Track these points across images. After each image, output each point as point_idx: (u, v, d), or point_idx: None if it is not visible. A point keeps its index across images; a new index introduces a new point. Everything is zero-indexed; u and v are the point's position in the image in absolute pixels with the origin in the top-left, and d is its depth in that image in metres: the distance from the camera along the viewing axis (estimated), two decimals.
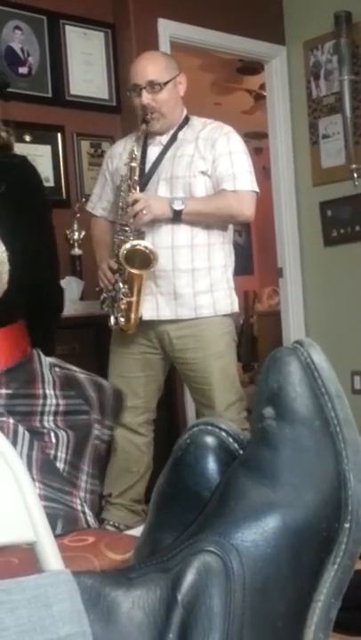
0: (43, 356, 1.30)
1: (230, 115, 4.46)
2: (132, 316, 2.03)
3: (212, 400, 2.08)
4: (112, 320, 2.07)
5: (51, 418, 1.22)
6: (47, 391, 1.25)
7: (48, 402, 1.24)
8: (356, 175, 3.21)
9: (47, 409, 1.23)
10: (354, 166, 3.21)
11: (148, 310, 2.05)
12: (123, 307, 2.02)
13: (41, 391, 1.24)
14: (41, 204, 1.38)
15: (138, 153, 2.05)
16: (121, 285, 2.02)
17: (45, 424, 1.20)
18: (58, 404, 1.24)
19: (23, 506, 0.55)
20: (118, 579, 0.46)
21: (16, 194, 1.27)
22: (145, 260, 1.97)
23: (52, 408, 1.23)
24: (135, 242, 1.97)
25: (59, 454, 1.16)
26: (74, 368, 1.36)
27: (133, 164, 2.03)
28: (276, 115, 3.52)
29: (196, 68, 4.08)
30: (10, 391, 1.21)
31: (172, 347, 2.09)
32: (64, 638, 0.42)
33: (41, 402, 1.23)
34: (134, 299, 2.01)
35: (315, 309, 3.51)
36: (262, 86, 4.12)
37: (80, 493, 1.14)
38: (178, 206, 1.98)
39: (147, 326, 2.09)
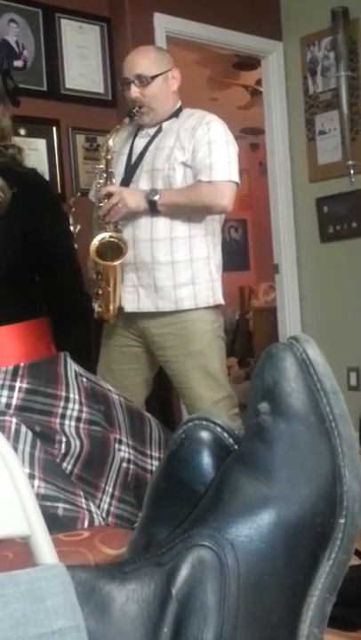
0: (70, 361, 1.28)
1: (227, 110, 4.45)
2: (111, 306, 2.05)
3: (193, 399, 2.06)
4: (95, 309, 2.08)
5: (73, 423, 1.19)
6: (70, 395, 1.22)
7: (70, 406, 1.21)
8: (352, 172, 3.21)
9: (69, 413, 1.20)
10: (350, 163, 3.21)
11: (130, 302, 2.06)
12: (100, 297, 2.02)
13: (63, 393, 1.21)
14: (52, 205, 1.39)
15: (113, 144, 2.04)
16: (95, 276, 2.02)
17: (66, 429, 1.18)
18: (81, 411, 1.22)
19: (17, 499, 0.55)
20: (112, 573, 0.46)
21: (27, 194, 1.28)
22: (117, 249, 1.97)
23: (75, 413, 1.20)
24: (101, 235, 1.97)
25: (64, 464, 1.15)
26: (108, 387, 1.35)
27: (109, 157, 2.03)
28: (272, 110, 3.51)
29: (193, 62, 4.06)
30: (29, 386, 1.19)
31: (153, 344, 2.09)
32: (58, 632, 0.42)
33: (62, 404, 1.20)
34: (110, 289, 2.02)
35: (311, 305, 3.51)
36: (259, 82, 4.11)
37: (96, 510, 1.12)
38: (152, 197, 1.97)
39: (130, 320, 2.09)
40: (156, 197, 1.97)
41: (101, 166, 2.06)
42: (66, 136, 2.90)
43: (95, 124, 2.96)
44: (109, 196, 1.97)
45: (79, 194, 2.77)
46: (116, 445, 1.24)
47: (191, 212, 2.03)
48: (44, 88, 2.84)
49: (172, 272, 2.02)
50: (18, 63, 2.76)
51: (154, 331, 2.07)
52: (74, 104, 2.90)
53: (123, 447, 1.25)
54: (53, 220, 1.38)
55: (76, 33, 2.92)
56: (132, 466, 1.25)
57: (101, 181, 2.04)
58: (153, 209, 1.98)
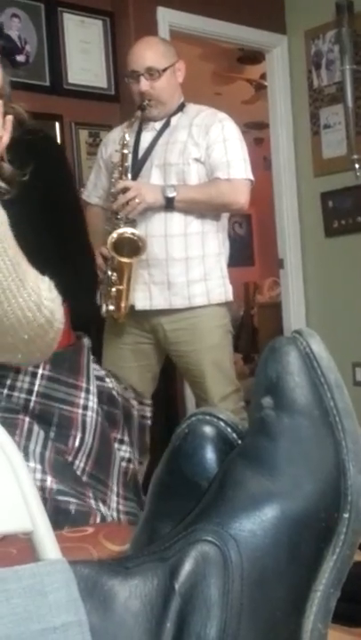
0: (90, 354, 1.28)
1: (231, 105, 4.43)
2: (122, 304, 2.02)
3: (206, 392, 2.08)
4: (103, 308, 2.06)
5: (94, 415, 1.20)
6: (90, 387, 1.22)
7: (91, 397, 1.21)
8: (357, 166, 3.20)
9: (90, 404, 1.20)
10: (355, 157, 3.19)
11: (141, 300, 2.04)
12: (112, 295, 2.01)
13: (84, 385, 1.22)
14: (60, 166, 1.36)
15: (130, 139, 2.03)
16: (110, 273, 2.01)
17: (87, 419, 1.18)
18: (100, 407, 1.22)
19: (20, 495, 0.55)
20: (115, 568, 0.46)
21: (41, 168, 1.25)
22: (134, 247, 1.96)
23: (95, 406, 1.21)
24: (122, 229, 1.95)
25: (77, 462, 1.15)
26: (112, 384, 1.34)
27: (125, 151, 2.01)
28: (277, 104, 3.50)
29: (197, 57, 4.04)
30: (51, 374, 1.19)
31: (166, 339, 2.09)
32: (60, 627, 0.41)
33: (83, 395, 1.21)
34: (124, 287, 2.00)
35: (315, 301, 3.50)
36: (263, 76, 4.09)
37: (107, 510, 1.13)
38: (170, 193, 1.96)
39: (140, 317, 2.07)
40: (174, 193, 1.96)
41: (116, 160, 2.05)
42: (69, 131, 2.89)
43: (98, 119, 2.95)
44: (125, 190, 1.95)
45: (82, 189, 2.76)
46: (117, 445, 1.25)
47: (208, 209, 2.03)
48: (47, 83, 2.83)
49: (186, 268, 2.02)
50: (20, 58, 2.75)
51: (166, 326, 2.07)
52: (77, 99, 2.89)
53: (123, 447, 1.26)
54: (62, 180, 1.35)
55: (78, 27, 2.91)
56: (131, 465, 1.26)
57: (116, 175, 2.03)
58: (169, 205, 1.97)
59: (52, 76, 2.84)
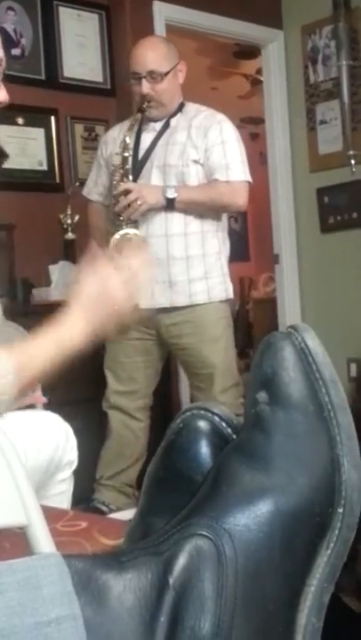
0: None
1: (227, 99, 4.43)
2: None
3: (211, 384, 2.12)
4: None
5: None
6: None
7: None
8: (353, 162, 3.19)
9: None
10: (351, 152, 3.19)
11: (144, 299, 2.07)
12: None
13: None
14: None
15: (130, 141, 2.05)
16: None
17: None
18: None
19: (15, 490, 0.55)
20: (109, 562, 0.46)
21: None
22: (136, 247, 1.99)
23: None
24: (124, 231, 1.99)
25: None
26: None
27: (126, 154, 2.04)
28: (272, 100, 3.49)
29: (192, 51, 4.03)
30: None
31: (168, 334, 2.12)
32: (54, 621, 0.41)
33: None
34: None
35: (311, 296, 3.50)
36: (259, 71, 4.08)
37: None
38: (171, 194, 2.00)
39: (144, 315, 2.11)
40: (175, 194, 2.00)
41: (117, 162, 2.07)
42: (64, 125, 2.88)
43: (94, 114, 2.94)
44: (127, 193, 1.98)
45: (78, 184, 2.76)
46: None
47: (207, 209, 2.08)
48: (42, 77, 2.82)
49: (187, 267, 2.07)
50: (16, 51, 2.74)
51: (169, 321, 2.11)
52: (72, 93, 2.88)
53: None
54: None
55: (74, 21, 2.89)
56: None
57: (117, 178, 2.06)
58: (170, 205, 2.01)
59: (48, 70, 2.82)
